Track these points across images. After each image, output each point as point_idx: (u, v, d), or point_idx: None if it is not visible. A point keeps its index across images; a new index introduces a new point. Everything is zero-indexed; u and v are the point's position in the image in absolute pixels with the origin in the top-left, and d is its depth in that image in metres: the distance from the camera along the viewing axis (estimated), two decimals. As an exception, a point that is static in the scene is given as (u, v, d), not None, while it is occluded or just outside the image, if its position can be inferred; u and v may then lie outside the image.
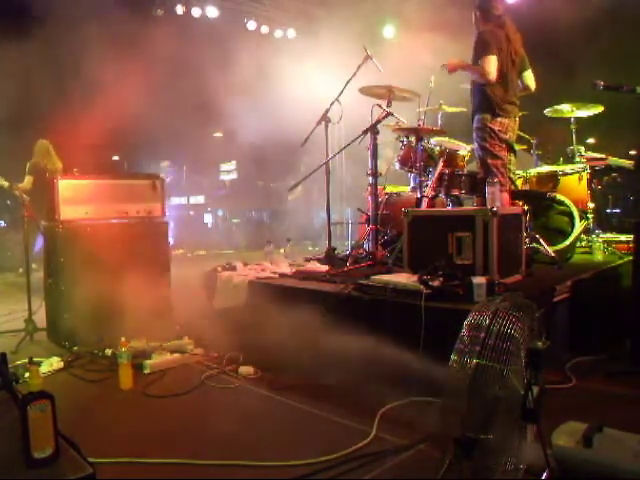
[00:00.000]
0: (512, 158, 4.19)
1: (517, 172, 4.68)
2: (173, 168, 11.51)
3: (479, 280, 2.77)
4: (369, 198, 4.46)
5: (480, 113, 3.95)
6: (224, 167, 12.39)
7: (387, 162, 5.92)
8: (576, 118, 5.17)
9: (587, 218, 4.58)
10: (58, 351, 3.45)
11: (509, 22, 3.99)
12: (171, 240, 6.63)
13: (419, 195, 4.31)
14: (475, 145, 4.08)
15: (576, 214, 4.33)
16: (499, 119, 3.90)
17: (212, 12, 8.53)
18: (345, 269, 3.89)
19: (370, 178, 4.22)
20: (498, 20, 3.96)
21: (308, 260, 4.65)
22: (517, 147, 4.34)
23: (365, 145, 4.29)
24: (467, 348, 1.59)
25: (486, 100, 3.91)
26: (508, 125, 3.94)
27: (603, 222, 5.33)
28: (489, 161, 3.94)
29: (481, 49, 3.84)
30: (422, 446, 2.06)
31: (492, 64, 3.79)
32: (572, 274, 3.46)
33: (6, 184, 6.21)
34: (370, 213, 4.31)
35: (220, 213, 10.99)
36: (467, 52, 4.09)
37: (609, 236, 4.89)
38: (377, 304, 3.01)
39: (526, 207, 3.83)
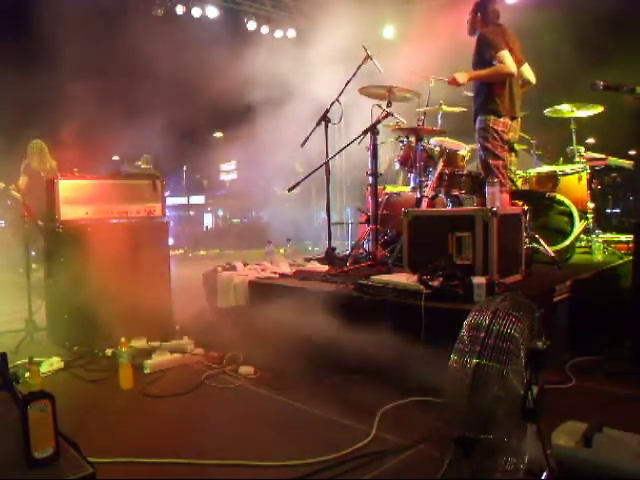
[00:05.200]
0: (513, 158, 4.19)
1: (517, 172, 4.69)
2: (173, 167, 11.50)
3: (479, 280, 2.78)
4: (369, 198, 4.46)
5: (483, 114, 3.95)
6: (224, 167, 12.40)
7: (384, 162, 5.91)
8: (576, 118, 5.17)
9: (587, 218, 4.58)
10: (58, 351, 3.45)
11: (508, 28, 4.01)
12: (171, 240, 6.64)
13: (419, 195, 4.31)
14: (477, 145, 4.09)
15: (576, 214, 4.34)
16: (502, 119, 3.90)
17: (212, 12, 8.53)
18: (345, 269, 3.89)
19: (370, 178, 4.22)
20: (497, 25, 3.98)
21: (308, 260, 4.65)
22: (518, 147, 4.34)
23: (365, 145, 4.29)
24: (467, 348, 1.59)
25: (490, 100, 3.91)
26: (511, 125, 3.95)
27: (603, 222, 5.33)
28: (490, 162, 3.94)
29: (491, 48, 3.82)
30: (422, 446, 2.06)
31: (508, 57, 3.79)
32: (572, 274, 3.46)
33: (2, 185, 6.22)
34: (370, 213, 4.32)
35: (220, 213, 11.00)
36: (465, 53, 4.09)
37: (609, 236, 4.90)
38: (377, 304, 3.01)
39: (526, 207, 3.83)
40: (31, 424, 1.35)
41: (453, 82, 3.98)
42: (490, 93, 3.91)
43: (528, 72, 4.18)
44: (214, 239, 9.92)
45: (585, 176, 4.77)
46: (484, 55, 3.87)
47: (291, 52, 7.73)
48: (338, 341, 2.86)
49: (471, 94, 4.19)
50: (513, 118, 3.97)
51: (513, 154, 4.18)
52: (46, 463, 1.35)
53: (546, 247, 3.91)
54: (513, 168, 4.23)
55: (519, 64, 4.02)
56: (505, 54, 3.78)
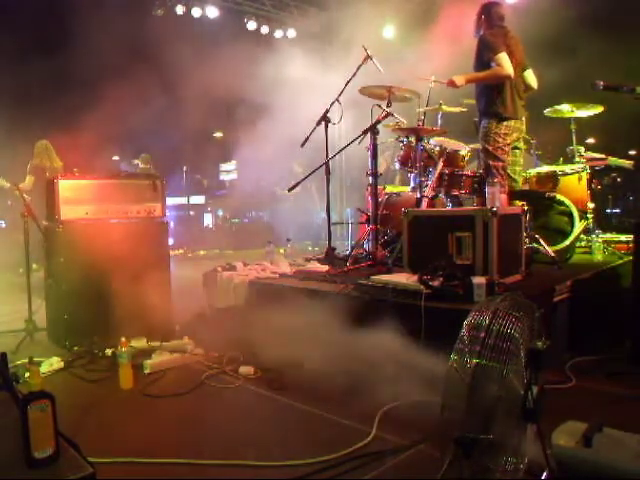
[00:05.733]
0: (518, 158, 4.20)
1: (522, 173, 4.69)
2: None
3: (479, 280, 2.78)
4: (369, 198, 4.46)
5: (486, 118, 3.99)
6: (224, 167, 12.41)
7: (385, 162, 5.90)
8: (576, 118, 5.17)
9: (587, 218, 4.58)
10: (58, 351, 3.45)
11: (511, 31, 4.03)
12: (171, 240, 6.64)
13: (419, 195, 4.31)
14: (480, 147, 4.10)
15: (576, 214, 4.34)
16: (505, 122, 3.93)
17: (212, 12, 8.54)
18: (345, 269, 3.89)
19: (370, 178, 4.23)
20: (501, 28, 3.99)
21: (308, 260, 4.65)
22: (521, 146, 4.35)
23: (365, 145, 4.29)
24: (467, 348, 1.59)
25: (491, 103, 3.93)
26: (514, 127, 3.97)
27: (603, 222, 5.33)
28: (491, 163, 3.98)
29: (489, 50, 3.85)
30: (422, 446, 2.06)
31: (506, 60, 3.81)
32: (572, 274, 3.46)
33: (7, 185, 6.22)
34: (370, 213, 4.32)
35: (220, 213, 11.00)
36: (465, 52, 4.09)
37: (609, 236, 4.90)
38: (377, 304, 3.01)
39: (526, 207, 3.83)
40: (31, 424, 1.35)
41: (451, 84, 4.01)
42: (491, 96, 3.93)
43: (531, 77, 4.19)
44: (214, 239, 9.91)
45: (585, 176, 4.77)
46: (483, 57, 3.89)
47: (291, 52, 7.73)
48: (338, 341, 2.86)
49: (468, 100, 4.20)
50: (516, 120, 3.97)
51: (518, 152, 4.20)
52: (46, 463, 1.35)
53: (546, 247, 3.91)
54: (518, 169, 4.24)
55: (520, 67, 4.03)
56: (503, 56, 3.79)
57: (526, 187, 4.75)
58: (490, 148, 3.95)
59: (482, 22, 4.06)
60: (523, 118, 4.07)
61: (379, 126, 4.17)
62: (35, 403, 1.37)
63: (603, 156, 5.05)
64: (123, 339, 2.96)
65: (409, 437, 2.12)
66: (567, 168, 4.88)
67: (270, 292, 3.66)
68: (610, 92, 2.91)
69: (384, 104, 4.28)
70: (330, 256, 4.28)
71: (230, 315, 3.80)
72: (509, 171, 4.09)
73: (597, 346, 3.15)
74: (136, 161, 8.74)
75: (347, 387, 2.65)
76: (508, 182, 4.08)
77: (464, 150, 4.69)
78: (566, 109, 5.07)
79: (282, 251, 5.76)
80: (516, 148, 4.16)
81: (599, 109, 5.01)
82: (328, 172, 4.20)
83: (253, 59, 7.45)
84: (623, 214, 7.23)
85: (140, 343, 3.33)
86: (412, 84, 4.61)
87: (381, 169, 6.60)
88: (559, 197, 4.44)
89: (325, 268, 4.03)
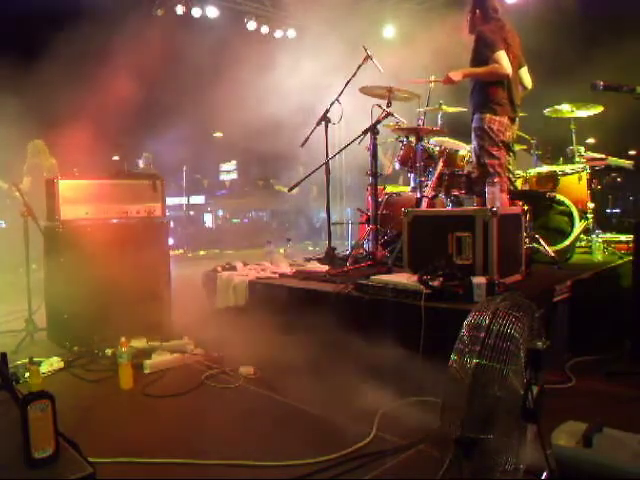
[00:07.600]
0: (510, 159, 4.18)
1: (517, 172, 4.68)
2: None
3: (479, 280, 2.78)
4: (369, 198, 4.47)
5: (480, 112, 3.93)
6: (224, 167, 12.43)
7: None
8: (576, 118, 5.17)
9: (587, 218, 4.58)
10: (58, 351, 3.45)
11: (507, 23, 4.00)
12: (171, 240, 6.64)
13: (419, 195, 4.31)
14: (473, 144, 4.07)
15: (576, 214, 4.34)
16: (498, 118, 3.88)
17: (212, 12, 8.53)
18: (345, 269, 3.89)
19: (370, 178, 4.23)
20: (497, 21, 3.96)
21: (308, 260, 4.65)
22: (517, 147, 4.33)
23: (365, 145, 4.29)
24: (467, 348, 1.59)
25: (487, 99, 3.90)
26: (507, 125, 3.93)
27: (603, 222, 5.33)
28: (486, 161, 3.93)
29: (488, 48, 3.80)
30: (422, 446, 2.06)
31: (505, 58, 3.77)
32: (572, 274, 3.46)
33: (5, 186, 6.22)
34: (370, 213, 4.32)
35: (220, 213, 11.00)
36: (465, 52, 4.08)
37: (609, 236, 4.90)
38: (377, 304, 3.01)
39: (526, 207, 3.83)
40: (31, 424, 1.35)
41: (448, 81, 3.95)
42: (487, 92, 3.89)
43: (526, 77, 4.17)
44: (214, 239, 9.90)
45: (585, 176, 4.77)
46: (482, 54, 3.86)
47: (291, 52, 7.73)
48: (338, 341, 2.86)
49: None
50: (510, 118, 3.95)
51: (510, 154, 4.17)
52: (46, 463, 1.35)
53: (546, 247, 3.90)
54: (511, 168, 4.22)
55: (517, 60, 3.99)
56: (502, 55, 3.77)
57: (526, 187, 4.75)
58: (485, 145, 3.90)
59: (477, 17, 4.00)
60: (516, 119, 4.04)
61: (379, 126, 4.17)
62: (35, 403, 1.36)
63: (603, 156, 5.05)
64: (123, 339, 2.96)
65: (409, 437, 2.12)
66: (567, 168, 4.88)
67: (270, 292, 3.66)
68: (610, 92, 2.91)
69: (384, 104, 4.27)
70: (330, 256, 4.28)
71: (230, 315, 3.80)
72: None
73: (597, 346, 3.15)
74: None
75: (347, 387, 2.65)
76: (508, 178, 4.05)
77: (464, 150, 4.69)
78: (566, 109, 5.07)
79: (282, 251, 5.76)
80: (509, 148, 4.12)
81: (599, 109, 5.00)
82: (328, 172, 4.20)
83: (253, 59, 7.45)
84: (623, 214, 7.23)
85: (140, 343, 3.33)
86: (409, 85, 4.61)
87: (388, 170, 6.61)
88: (559, 197, 4.44)
89: (325, 268, 4.03)
